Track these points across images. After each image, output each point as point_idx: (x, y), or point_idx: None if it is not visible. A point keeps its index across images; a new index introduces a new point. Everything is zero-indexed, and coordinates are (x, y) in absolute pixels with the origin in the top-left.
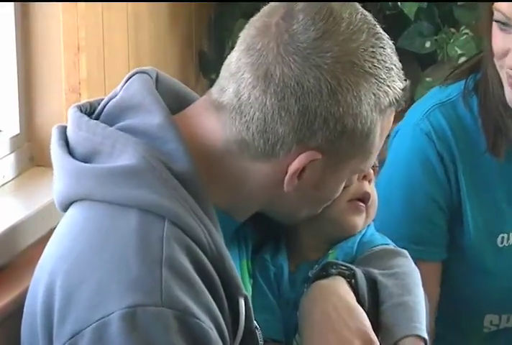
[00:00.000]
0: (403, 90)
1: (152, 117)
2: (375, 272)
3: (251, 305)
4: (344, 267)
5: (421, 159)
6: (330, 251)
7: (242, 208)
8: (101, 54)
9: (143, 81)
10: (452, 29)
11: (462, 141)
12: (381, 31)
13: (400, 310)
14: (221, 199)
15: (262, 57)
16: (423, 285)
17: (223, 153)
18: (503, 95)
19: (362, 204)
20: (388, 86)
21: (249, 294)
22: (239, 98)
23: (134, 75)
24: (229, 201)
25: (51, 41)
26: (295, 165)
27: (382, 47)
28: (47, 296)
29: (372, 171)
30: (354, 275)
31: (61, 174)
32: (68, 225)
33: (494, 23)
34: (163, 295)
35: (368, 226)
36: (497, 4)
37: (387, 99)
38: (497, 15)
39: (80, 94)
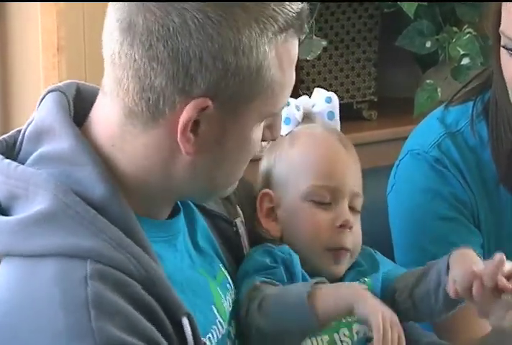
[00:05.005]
0: (298, 13)
1: (63, 141)
2: None
3: (196, 323)
4: None
5: (440, 178)
6: (367, 279)
7: (164, 202)
8: (83, 54)
9: (54, 101)
10: (454, 28)
11: (474, 172)
12: None
13: None
14: (145, 208)
15: (126, 11)
16: None
17: (123, 138)
18: None
19: (342, 253)
20: (274, 10)
21: (220, 296)
22: (114, 63)
23: (47, 94)
24: (151, 203)
25: (29, 41)
26: (183, 118)
27: None
28: None
29: (349, 218)
30: None
31: None
32: None
33: (502, 49)
34: (96, 336)
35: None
36: (503, 28)
37: (275, 25)
38: (504, 40)
39: None
